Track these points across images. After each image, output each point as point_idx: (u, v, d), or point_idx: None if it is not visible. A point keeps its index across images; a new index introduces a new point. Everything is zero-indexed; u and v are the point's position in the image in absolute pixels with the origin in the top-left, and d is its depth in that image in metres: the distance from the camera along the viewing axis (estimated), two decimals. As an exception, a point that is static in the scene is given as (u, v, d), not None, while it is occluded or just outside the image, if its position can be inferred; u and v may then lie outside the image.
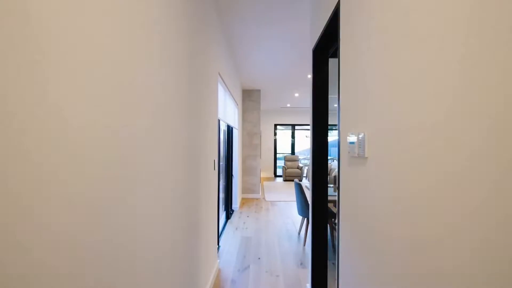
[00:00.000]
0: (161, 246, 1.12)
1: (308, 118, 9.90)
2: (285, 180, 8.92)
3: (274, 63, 4.21)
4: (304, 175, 9.74)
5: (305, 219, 3.40)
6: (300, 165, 9.18)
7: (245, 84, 5.65)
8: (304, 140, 17.65)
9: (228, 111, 3.70)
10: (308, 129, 11.88)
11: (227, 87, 3.43)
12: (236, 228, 3.90)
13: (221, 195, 4.54)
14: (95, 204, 0.65)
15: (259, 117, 6.11)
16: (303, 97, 7.05)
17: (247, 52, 3.85)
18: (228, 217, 4.36)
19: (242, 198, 5.99)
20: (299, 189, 3.31)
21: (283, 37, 3.25)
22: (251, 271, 2.58)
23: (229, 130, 4.46)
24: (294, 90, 6.23)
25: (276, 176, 10.06)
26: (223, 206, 4.43)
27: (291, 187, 7.60)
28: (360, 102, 1.08)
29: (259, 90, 6.11)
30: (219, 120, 2.94)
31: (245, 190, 6.11)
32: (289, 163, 9.32)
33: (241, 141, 5.97)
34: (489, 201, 0.46)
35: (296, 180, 3.48)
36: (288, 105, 8.65)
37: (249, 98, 6.12)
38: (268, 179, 9.37)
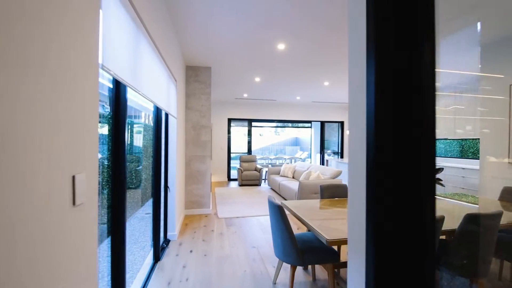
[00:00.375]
0: None
1: (269, 112, 8.66)
2: (241, 185, 7.49)
3: (230, 25, 2.73)
4: (263, 178, 8.47)
5: (290, 265, 2.01)
6: (259, 166, 7.87)
7: (190, 56, 4.02)
8: (262, 138, 16.61)
9: (153, 81, 2.06)
10: (266, 126, 10.71)
11: (145, 29, 1.81)
12: (169, 283, 2.28)
13: (146, 222, 2.88)
14: None
15: (209, 104, 4.53)
16: (265, 83, 5.71)
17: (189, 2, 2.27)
18: (157, 258, 2.70)
19: (186, 217, 4.32)
20: (280, 215, 1.89)
21: None
22: None
23: (159, 115, 2.78)
24: (255, 72, 4.83)
25: (230, 179, 8.56)
26: (151, 240, 2.75)
27: (249, 193, 6.20)
28: None
29: (209, 68, 4.53)
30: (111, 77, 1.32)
31: (189, 204, 4.46)
32: (245, 165, 7.92)
33: (184, 137, 4.31)
34: None
35: (274, 200, 2.05)
36: (245, 95, 7.23)
37: (195, 77, 4.48)
38: (221, 184, 7.81)
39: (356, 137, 0.76)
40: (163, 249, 2.97)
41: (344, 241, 1.57)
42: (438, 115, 0.62)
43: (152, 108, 2.76)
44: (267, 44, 3.49)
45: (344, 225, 1.81)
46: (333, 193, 2.77)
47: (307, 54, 3.84)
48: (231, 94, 7.06)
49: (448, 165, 4.78)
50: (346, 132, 7.28)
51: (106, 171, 1.65)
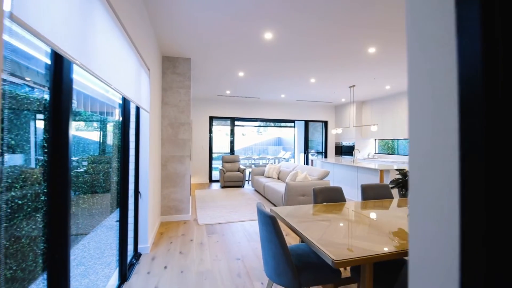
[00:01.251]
0: None
1: (252, 111, 8.33)
2: (223, 187, 7.09)
3: (212, 9, 2.37)
4: (247, 178, 8.13)
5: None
6: (242, 167, 7.52)
7: (166, 45, 3.59)
8: (245, 138, 16.24)
9: (115, 63, 1.65)
10: (250, 125, 10.39)
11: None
12: (136, 311, 1.88)
13: (116, 232, 2.44)
14: None
15: (188, 99, 4.12)
16: (250, 78, 5.38)
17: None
18: (123, 277, 2.27)
19: (162, 225, 3.88)
20: (273, 228, 1.56)
21: None
22: None
23: (127, 108, 2.35)
24: (240, 65, 4.48)
25: (211, 181, 8.13)
26: (117, 256, 2.33)
27: (232, 195, 5.84)
28: None
29: (188, 59, 4.11)
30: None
31: (166, 210, 4.02)
32: (228, 165, 7.54)
33: (159, 135, 3.87)
34: None
35: (265, 208, 1.71)
36: (228, 92, 6.86)
37: (173, 69, 4.05)
38: (202, 186, 7.37)
39: (439, 117, 0.45)
40: (132, 265, 2.54)
41: (355, 261, 1.28)
42: None
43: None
44: (253, 32, 3.16)
45: (350, 238, 1.52)
46: (327, 197, 2.50)
47: (295, 46, 3.55)
48: (213, 90, 6.65)
49: None
50: (332, 132, 7.14)
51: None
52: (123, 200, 2.32)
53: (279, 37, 3.27)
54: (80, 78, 1.63)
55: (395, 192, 3.19)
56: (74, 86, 1.28)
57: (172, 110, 4.04)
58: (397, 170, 2.16)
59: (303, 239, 1.58)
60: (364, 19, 2.78)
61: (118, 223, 2.31)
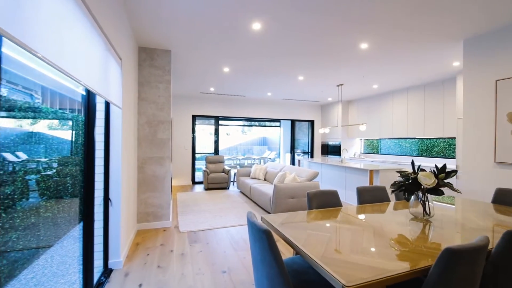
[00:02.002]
0: None
1: (238, 110, 8.03)
2: (207, 189, 6.76)
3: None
4: (232, 180, 7.84)
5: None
6: (227, 168, 7.21)
7: (143, 34, 3.23)
8: (229, 138, 15.88)
9: (72, 46, 1.32)
10: (235, 125, 10.09)
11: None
12: None
13: (73, 250, 2.08)
14: None
15: (168, 95, 3.77)
16: (235, 74, 5.09)
17: None
18: (88, 302, 1.92)
19: (139, 233, 3.51)
20: (267, 244, 1.30)
21: None
22: None
23: (91, 102, 1.99)
24: (225, 60, 4.19)
25: (195, 183, 7.75)
26: (81, 276, 1.98)
27: (217, 198, 5.52)
28: None
29: (168, 52, 3.77)
30: None
31: (143, 216, 3.65)
32: (212, 166, 7.21)
33: (135, 134, 3.50)
34: None
35: (256, 219, 1.45)
36: (212, 89, 6.53)
37: (150, 61, 3.69)
38: (184, 188, 6.99)
39: None
40: (101, 284, 2.19)
41: (370, 285, 1.05)
42: None
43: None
44: (240, 22, 2.88)
45: (356, 253, 1.30)
46: (322, 201, 2.28)
47: (284, 40, 3.32)
48: (196, 87, 6.30)
49: None
50: (320, 131, 7.01)
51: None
52: (87, 210, 1.97)
53: (267, 28, 3.02)
54: (24, 60, 1.28)
55: (392, 194, 3.04)
56: (5, 66, 0.96)
57: (150, 106, 3.67)
58: (398, 172, 1.97)
59: (303, 256, 1.34)
60: (357, 13, 2.60)
61: (81, 237, 1.95)
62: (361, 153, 8.10)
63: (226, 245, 3.10)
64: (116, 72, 2.38)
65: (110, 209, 2.49)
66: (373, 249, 1.37)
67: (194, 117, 7.72)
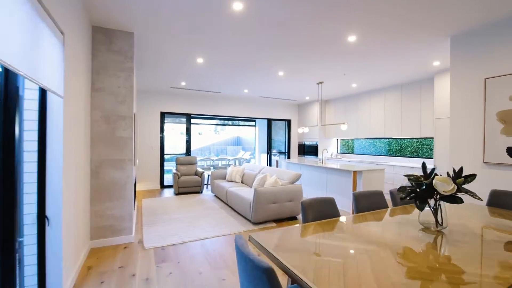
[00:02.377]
0: None
1: (211, 107, 7.50)
2: (178, 194, 6.15)
3: None
4: (206, 183, 7.29)
5: None
6: (200, 170, 6.66)
7: (98, 11, 2.62)
8: (201, 137, 15.13)
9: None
10: (208, 124, 9.50)
11: None
12: None
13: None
14: None
15: (130, 86, 3.18)
16: (210, 66, 4.60)
17: None
18: None
19: (92, 253, 2.88)
20: (269, 285, 0.90)
21: None
22: None
23: (9, 83, 1.41)
24: (199, 48, 3.69)
25: (164, 186, 7.07)
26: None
27: (189, 204, 4.97)
28: None
29: (130, 34, 3.17)
30: None
31: (99, 231, 3.02)
32: (183, 168, 6.60)
33: (87, 131, 2.86)
34: None
35: (249, 250, 1.03)
36: (184, 83, 5.94)
37: (109, 45, 3.07)
38: (151, 193, 6.29)
39: None
40: (30, 335, 1.60)
41: None
42: None
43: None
44: (216, 1, 2.44)
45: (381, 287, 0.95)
46: (319, 212, 1.94)
47: (266, 29, 2.94)
48: (166, 81, 5.67)
49: None
50: (298, 130, 6.77)
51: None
52: (7, 232, 1.39)
53: (249, 11, 2.61)
54: None
55: (389, 199, 2.82)
56: None
57: (108, 99, 3.06)
58: (406, 176, 1.68)
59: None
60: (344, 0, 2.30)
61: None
62: (337, 153, 8.05)
63: (202, 262, 2.63)
64: (56, 50, 1.80)
65: (47, 229, 1.89)
66: (405, 281, 1.03)
67: (163, 115, 7.03)
